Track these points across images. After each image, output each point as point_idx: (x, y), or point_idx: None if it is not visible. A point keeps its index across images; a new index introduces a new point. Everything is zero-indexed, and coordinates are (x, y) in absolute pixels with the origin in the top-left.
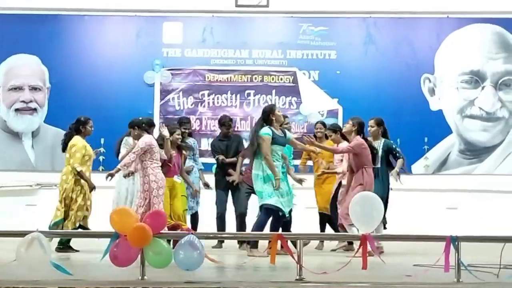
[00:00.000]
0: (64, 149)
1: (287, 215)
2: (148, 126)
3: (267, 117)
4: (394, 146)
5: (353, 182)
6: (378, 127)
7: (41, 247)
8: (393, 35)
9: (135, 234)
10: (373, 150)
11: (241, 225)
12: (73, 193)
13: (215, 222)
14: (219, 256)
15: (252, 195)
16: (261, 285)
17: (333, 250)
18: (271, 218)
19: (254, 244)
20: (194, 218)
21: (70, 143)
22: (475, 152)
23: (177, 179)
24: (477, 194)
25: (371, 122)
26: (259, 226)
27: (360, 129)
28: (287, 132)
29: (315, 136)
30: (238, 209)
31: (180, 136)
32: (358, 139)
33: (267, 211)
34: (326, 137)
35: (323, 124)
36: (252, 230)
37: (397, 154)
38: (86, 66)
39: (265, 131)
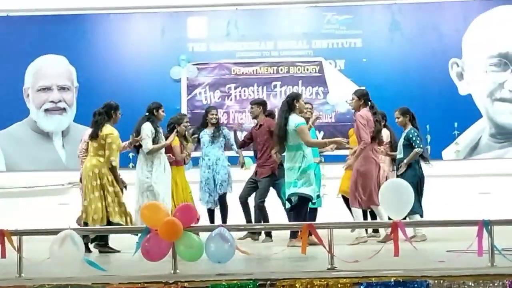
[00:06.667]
0: (95, 137)
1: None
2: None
3: (292, 102)
4: (411, 136)
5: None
6: (404, 116)
7: (74, 244)
8: (418, 21)
9: (166, 229)
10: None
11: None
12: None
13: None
14: (249, 247)
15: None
16: (293, 275)
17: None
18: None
19: (293, 234)
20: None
21: (105, 132)
22: (506, 135)
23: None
24: (510, 178)
25: (396, 113)
26: (300, 216)
27: (366, 100)
28: None
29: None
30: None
31: (188, 125)
32: (362, 113)
33: (303, 200)
34: None
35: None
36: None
37: (413, 144)
38: (113, 64)
39: (298, 120)
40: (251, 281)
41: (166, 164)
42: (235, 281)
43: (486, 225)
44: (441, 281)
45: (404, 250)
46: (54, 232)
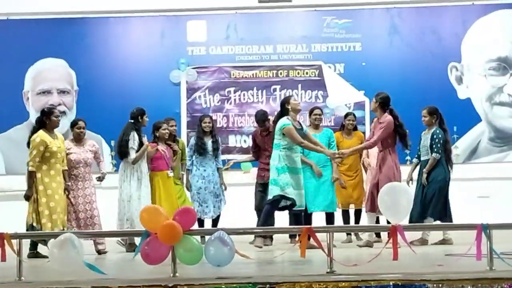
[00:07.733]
0: (28, 145)
1: (302, 208)
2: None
3: (283, 107)
4: (435, 137)
5: (380, 164)
6: (431, 116)
7: (74, 247)
8: (417, 25)
9: (166, 232)
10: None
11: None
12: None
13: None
14: (249, 250)
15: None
16: (292, 279)
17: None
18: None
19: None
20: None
21: (31, 139)
22: (505, 139)
23: (169, 173)
24: (509, 182)
25: (423, 112)
26: (267, 216)
27: (384, 104)
28: (303, 125)
29: (342, 126)
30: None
31: (166, 131)
32: (386, 117)
33: (275, 201)
34: (355, 129)
35: (355, 116)
36: (261, 221)
37: (433, 147)
38: (113, 67)
39: (283, 122)
40: (250, 284)
41: (144, 177)
42: (234, 285)
43: (484, 229)
44: (440, 285)
45: (403, 254)
46: (54, 235)
